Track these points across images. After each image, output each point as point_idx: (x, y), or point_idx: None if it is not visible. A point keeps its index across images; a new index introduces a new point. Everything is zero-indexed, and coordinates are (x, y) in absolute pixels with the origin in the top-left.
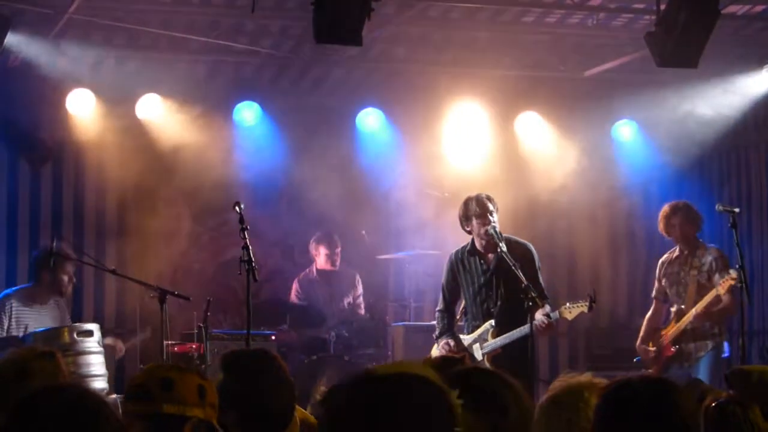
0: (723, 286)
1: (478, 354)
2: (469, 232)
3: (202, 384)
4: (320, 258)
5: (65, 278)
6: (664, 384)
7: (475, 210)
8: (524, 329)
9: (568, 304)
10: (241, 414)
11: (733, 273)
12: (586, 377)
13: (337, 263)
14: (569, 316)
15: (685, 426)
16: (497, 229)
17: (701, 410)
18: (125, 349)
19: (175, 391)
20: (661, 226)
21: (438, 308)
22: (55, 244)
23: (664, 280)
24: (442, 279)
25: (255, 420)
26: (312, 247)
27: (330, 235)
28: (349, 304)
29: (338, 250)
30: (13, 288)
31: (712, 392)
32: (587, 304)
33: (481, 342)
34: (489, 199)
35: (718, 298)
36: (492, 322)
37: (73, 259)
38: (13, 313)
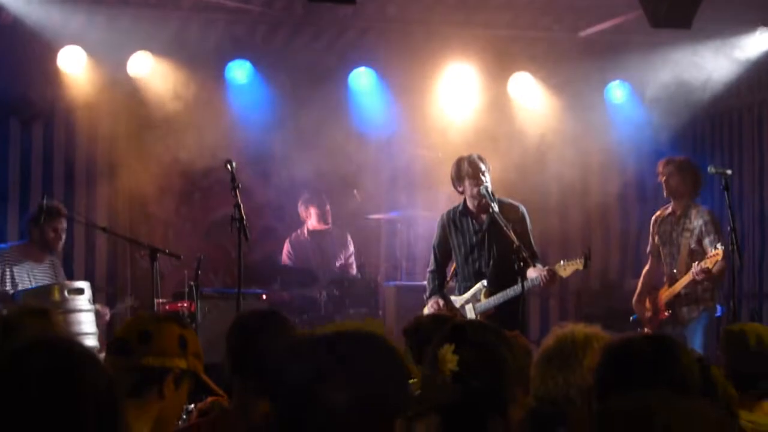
0: (710, 260)
1: (471, 314)
2: (461, 193)
3: (182, 334)
4: (311, 219)
5: (52, 234)
6: (665, 341)
7: (467, 170)
8: (517, 288)
9: (562, 261)
10: (241, 375)
11: (720, 247)
12: (579, 330)
13: (329, 220)
14: (564, 274)
15: (685, 382)
16: (489, 190)
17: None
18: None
19: (155, 343)
20: (659, 178)
21: (429, 269)
22: (45, 201)
23: (656, 238)
24: (434, 239)
25: (244, 377)
26: (301, 209)
27: (318, 194)
28: (340, 264)
29: (328, 207)
30: (6, 244)
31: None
32: (582, 261)
33: (473, 302)
34: (481, 159)
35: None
36: (484, 282)
37: (63, 215)
38: (6, 265)
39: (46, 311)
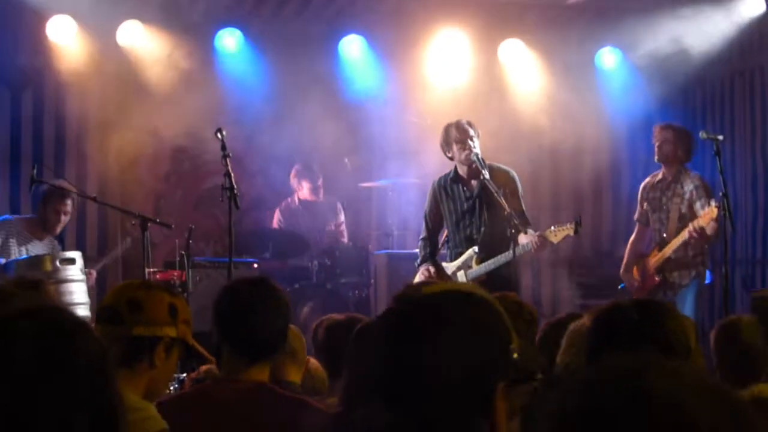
0: (704, 218)
1: (463, 281)
2: (451, 159)
3: (172, 302)
4: (303, 191)
5: (53, 215)
6: (651, 306)
7: (455, 136)
8: (508, 255)
9: (553, 227)
10: (230, 343)
11: (714, 204)
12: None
13: (321, 194)
14: (554, 239)
15: (671, 346)
16: (479, 156)
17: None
18: (107, 265)
19: (145, 312)
20: (654, 140)
21: (421, 236)
22: (35, 171)
23: (645, 204)
24: (425, 207)
25: (233, 345)
26: (294, 181)
27: (310, 167)
28: (330, 231)
29: (320, 181)
30: (14, 215)
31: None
32: (573, 226)
33: (465, 269)
34: (470, 124)
35: (702, 228)
36: (475, 248)
37: (68, 196)
38: (9, 237)
39: (38, 283)
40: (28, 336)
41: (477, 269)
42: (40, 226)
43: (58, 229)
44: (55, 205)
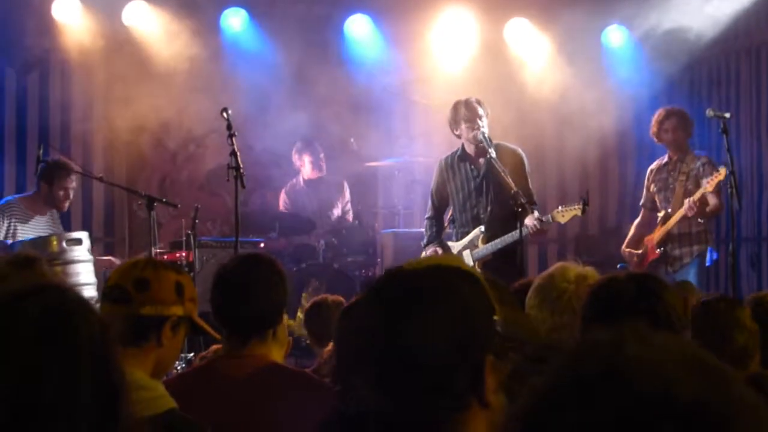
0: (711, 183)
1: (469, 260)
2: (458, 137)
3: (179, 280)
4: (305, 167)
5: (61, 193)
6: (647, 279)
7: (464, 114)
8: (515, 234)
9: (560, 207)
10: (221, 318)
11: (721, 170)
12: (572, 266)
13: (324, 168)
14: (562, 220)
15: (670, 320)
16: (486, 135)
17: (689, 310)
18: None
19: (152, 292)
20: (653, 130)
21: (427, 215)
22: (41, 151)
23: (652, 187)
24: (432, 185)
25: (229, 321)
26: (295, 158)
27: (311, 142)
28: (337, 213)
29: (322, 155)
30: (14, 195)
31: (695, 293)
32: (580, 207)
33: (471, 248)
34: (479, 103)
35: (705, 199)
36: (482, 228)
37: (74, 172)
38: (12, 219)
39: (33, 261)
40: (32, 316)
41: (483, 249)
42: (42, 202)
43: (66, 205)
44: (63, 182)
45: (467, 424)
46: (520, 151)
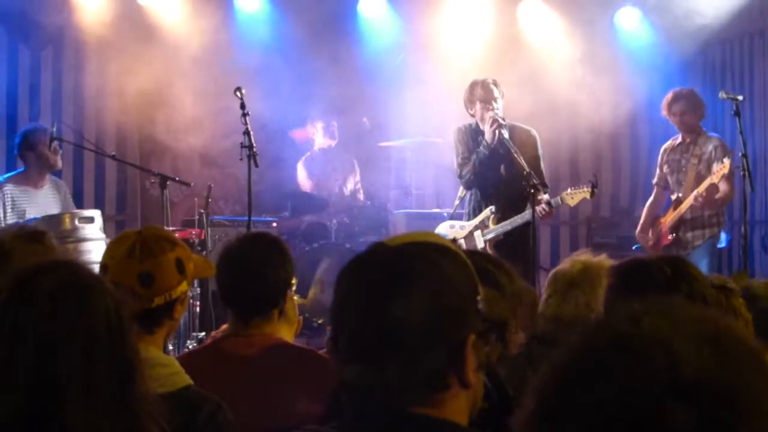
0: (716, 174)
1: (480, 241)
2: (473, 116)
3: (177, 257)
4: (318, 135)
5: (47, 151)
6: (679, 260)
7: (480, 94)
8: (526, 215)
9: (570, 189)
10: (226, 297)
11: (726, 161)
12: (600, 258)
13: (336, 135)
14: (571, 202)
15: (704, 297)
16: (500, 116)
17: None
18: None
19: (158, 282)
20: (664, 113)
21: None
22: (54, 128)
23: (665, 167)
24: (458, 158)
25: (234, 300)
26: (309, 127)
27: (324, 110)
28: (350, 189)
29: (335, 123)
30: (5, 174)
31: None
32: (589, 189)
33: (482, 228)
34: (495, 84)
35: (713, 187)
36: (492, 208)
37: (41, 131)
38: (8, 198)
39: (41, 234)
40: (47, 291)
41: (494, 229)
42: (34, 171)
43: (59, 160)
44: (44, 139)
45: (447, 403)
46: (533, 132)
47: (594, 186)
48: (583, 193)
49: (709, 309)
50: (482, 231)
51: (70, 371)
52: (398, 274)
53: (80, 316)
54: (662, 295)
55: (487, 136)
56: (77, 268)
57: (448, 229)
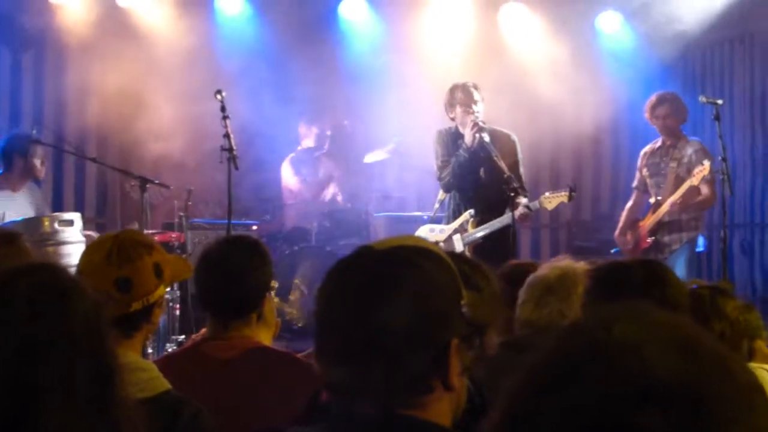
0: (696, 177)
1: (459, 245)
2: (453, 119)
3: (155, 262)
4: (309, 138)
5: (38, 161)
6: (654, 265)
7: (460, 98)
8: (504, 219)
9: (548, 193)
10: (204, 300)
11: (706, 163)
12: (579, 265)
13: (325, 146)
14: (549, 206)
15: (678, 304)
16: (480, 119)
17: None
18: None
19: (136, 287)
20: (647, 116)
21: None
22: (35, 131)
23: (645, 170)
24: (437, 161)
25: (211, 304)
26: (303, 128)
27: (321, 115)
28: (331, 192)
29: (329, 132)
30: None
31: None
32: (567, 193)
33: (461, 232)
34: (476, 88)
35: (694, 190)
36: (471, 211)
37: (35, 140)
38: None
39: (14, 237)
40: (26, 295)
41: (473, 232)
42: (16, 176)
43: (43, 171)
44: (36, 150)
45: (431, 405)
46: (513, 136)
47: (572, 190)
48: (561, 197)
49: (680, 314)
50: (461, 234)
51: (49, 375)
52: (384, 278)
53: (59, 319)
54: (637, 299)
55: (467, 139)
56: (55, 271)
57: (428, 233)
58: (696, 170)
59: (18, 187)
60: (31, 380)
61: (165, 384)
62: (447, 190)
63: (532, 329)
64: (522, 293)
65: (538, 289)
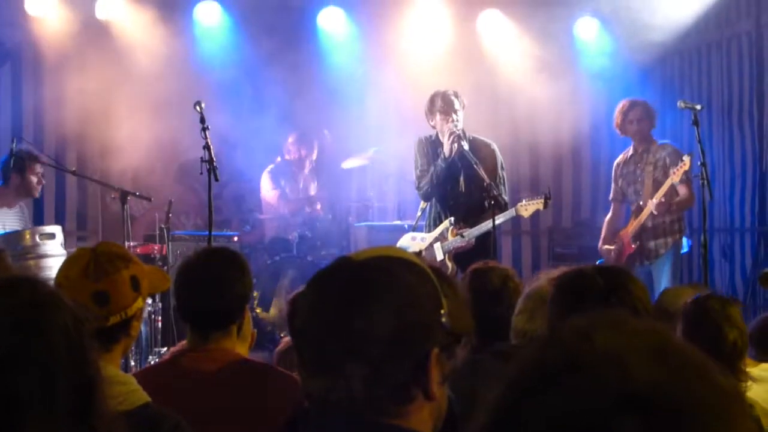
0: (677, 173)
1: (439, 253)
2: (433, 127)
3: (132, 275)
4: (293, 155)
5: (34, 179)
6: (615, 271)
7: (440, 106)
8: (483, 227)
9: (524, 201)
10: (183, 313)
11: (686, 159)
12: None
13: (310, 163)
14: (525, 213)
15: (636, 310)
16: (460, 127)
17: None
18: None
19: (113, 301)
20: (617, 122)
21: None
22: (15, 145)
23: (620, 181)
24: (416, 171)
25: (190, 317)
26: (290, 145)
27: (309, 137)
28: (312, 203)
29: (315, 156)
30: None
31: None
32: (543, 200)
33: (441, 240)
34: (456, 95)
35: (674, 189)
36: (451, 219)
37: (35, 157)
38: None
39: None
40: (6, 309)
41: (452, 241)
42: (13, 193)
43: (40, 189)
44: (34, 168)
45: (412, 415)
46: (494, 145)
47: (547, 197)
48: (537, 204)
49: (657, 322)
50: (441, 243)
51: (30, 389)
52: (363, 288)
53: (39, 332)
54: (599, 306)
55: (445, 149)
56: (36, 285)
57: (409, 241)
58: (676, 168)
59: (13, 203)
60: (12, 393)
61: (144, 397)
62: (425, 198)
63: (525, 339)
64: (518, 303)
65: (534, 300)
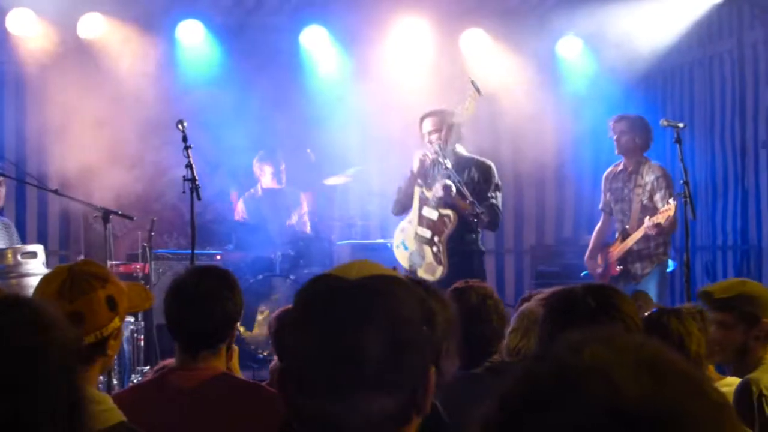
0: (662, 215)
1: (433, 214)
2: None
3: (108, 295)
4: (265, 177)
5: None
6: (605, 290)
7: (424, 127)
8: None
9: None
10: (172, 332)
11: (672, 203)
12: None
13: (283, 180)
14: (468, 113)
15: (627, 328)
16: (440, 147)
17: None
18: None
19: (89, 321)
20: (610, 133)
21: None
22: None
23: (608, 195)
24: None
25: (179, 336)
26: (256, 167)
27: (273, 152)
28: (294, 223)
29: (283, 167)
30: None
31: (650, 303)
32: (474, 92)
33: (424, 203)
34: (423, 118)
35: (657, 212)
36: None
37: (12, 178)
38: None
39: None
40: (9, 333)
41: (435, 191)
42: None
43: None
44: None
45: None
46: (489, 163)
47: (476, 88)
48: (472, 98)
49: (647, 337)
50: (426, 205)
51: (33, 411)
52: (359, 309)
53: (41, 353)
54: (588, 325)
55: (413, 165)
56: (36, 306)
57: (400, 233)
58: (661, 205)
59: None
60: (15, 416)
61: (119, 416)
62: (395, 211)
63: (519, 356)
64: (512, 322)
65: (527, 320)
